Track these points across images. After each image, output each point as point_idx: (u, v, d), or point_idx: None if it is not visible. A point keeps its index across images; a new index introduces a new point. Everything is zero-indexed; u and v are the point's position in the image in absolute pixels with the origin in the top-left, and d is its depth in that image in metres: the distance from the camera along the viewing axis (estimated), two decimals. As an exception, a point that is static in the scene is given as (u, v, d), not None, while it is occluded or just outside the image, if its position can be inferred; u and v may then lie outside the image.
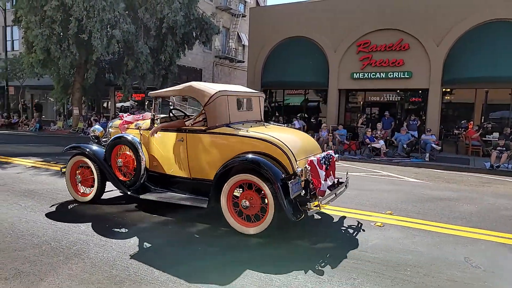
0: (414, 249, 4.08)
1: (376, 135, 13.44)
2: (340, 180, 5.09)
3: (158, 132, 5.00)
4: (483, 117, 15.46)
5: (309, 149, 4.76)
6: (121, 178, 5.08)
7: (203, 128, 4.70)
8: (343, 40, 16.46)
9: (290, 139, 4.65)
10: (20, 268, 3.32)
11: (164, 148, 4.98)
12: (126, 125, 5.53)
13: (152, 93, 5.29)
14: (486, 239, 4.45)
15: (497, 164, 10.50)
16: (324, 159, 4.58)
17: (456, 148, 14.23)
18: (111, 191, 5.59)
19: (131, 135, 5.14)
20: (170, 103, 6.09)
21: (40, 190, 6.18)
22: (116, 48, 15.34)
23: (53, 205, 5.34)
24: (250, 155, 4.24)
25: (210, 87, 4.80)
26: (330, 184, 4.71)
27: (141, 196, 4.85)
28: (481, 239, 4.45)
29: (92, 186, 5.36)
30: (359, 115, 16.83)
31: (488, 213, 5.57)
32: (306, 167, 4.22)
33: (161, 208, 5.12)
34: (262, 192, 4.17)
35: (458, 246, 4.20)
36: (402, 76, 15.33)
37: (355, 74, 16.33)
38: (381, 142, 12.92)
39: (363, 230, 4.64)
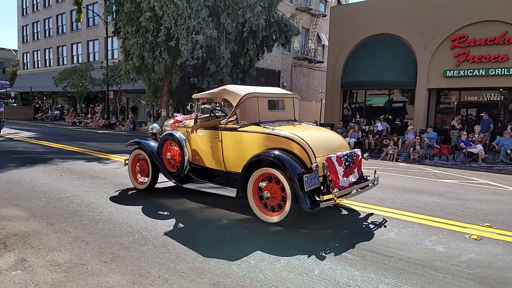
0: (519, 267, 3.52)
1: (473, 138, 12.04)
2: (368, 178, 5.21)
3: (201, 130, 5.53)
4: None
5: (333, 147, 4.95)
6: (170, 169, 5.67)
7: (236, 126, 5.11)
8: (435, 36, 15.15)
9: (312, 137, 4.93)
10: (116, 253, 3.63)
11: (204, 144, 5.54)
12: (177, 124, 6.14)
13: (195, 95, 5.85)
14: None
15: None
16: (346, 157, 4.77)
17: None
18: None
19: (179, 132, 5.74)
20: (217, 105, 6.59)
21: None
22: (200, 53, 16.21)
23: (143, 199, 5.83)
24: (275, 151, 4.56)
25: (241, 90, 5.27)
26: (354, 180, 4.87)
27: (184, 185, 5.45)
28: None
29: (148, 176, 6.02)
30: (452, 116, 15.28)
31: None
32: (324, 163, 4.47)
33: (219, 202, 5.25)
34: (282, 184, 4.45)
35: None
36: (506, 72, 13.57)
37: (448, 71, 14.91)
38: (479, 146, 11.54)
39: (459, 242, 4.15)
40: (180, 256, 3.59)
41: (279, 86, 24.95)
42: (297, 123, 5.55)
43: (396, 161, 12.29)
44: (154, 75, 17.74)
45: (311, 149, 4.52)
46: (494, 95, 14.95)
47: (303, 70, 27.36)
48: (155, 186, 6.19)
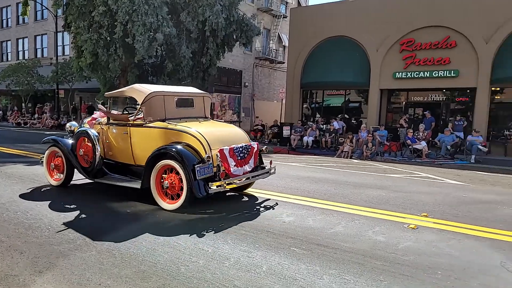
0: (448, 252, 3.95)
1: (418, 136, 12.95)
2: (266, 167, 6.03)
3: (113, 127, 5.91)
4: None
5: (230, 140, 5.51)
6: (84, 165, 5.96)
7: (142, 122, 5.56)
8: (386, 39, 16.04)
9: (210, 131, 5.48)
10: (54, 261, 3.47)
11: (115, 140, 5.93)
12: (93, 121, 6.43)
13: (107, 94, 6.32)
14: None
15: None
16: (240, 149, 5.42)
17: (505, 150, 13.35)
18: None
19: (93, 129, 6.07)
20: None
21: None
22: (159, 51, 15.95)
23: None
24: (176, 145, 5.10)
25: (147, 88, 5.70)
26: (250, 169, 5.57)
27: (95, 180, 5.86)
28: (522, 244, 4.22)
29: (63, 172, 6.25)
30: (400, 115, 16.29)
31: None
32: (217, 154, 5.08)
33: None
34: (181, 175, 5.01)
35: (496, 250, 4.00)
36: (448, 75, 14.67)
37: (397, 73, 15.86)
38: (423, 143, 12.45)
39: (397, 231, 4.56)
40: (125, 261, 3.53)
41: (240, 86, 25.15)
42: (203, 120, 6.05)
43: (351, 158, 12.92)
44: (109, 73, 17.22)
45: (207, 142, 5.10)
46: (437, 96, 16.11)
47: (265, 70, 27.75)
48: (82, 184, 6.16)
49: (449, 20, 14.52)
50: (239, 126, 24.22)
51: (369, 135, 13.53)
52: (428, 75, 15.05)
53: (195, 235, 4.25)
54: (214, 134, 5.47)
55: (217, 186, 5.01)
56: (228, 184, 5.23)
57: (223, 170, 5.13)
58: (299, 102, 19.29)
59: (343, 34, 17.27)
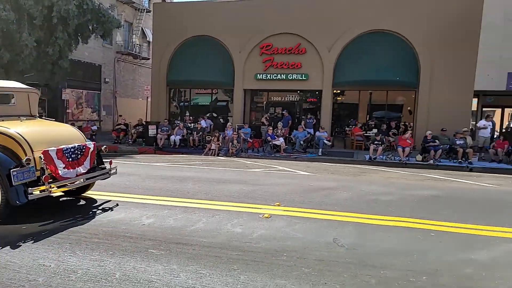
0: (293, 235, 4.47)
1: (277, 133, 14.22)
2: (106, 168, 5.77)
3: None
4: (368, 115, 17.46)
5: (59, 140, 5.16)
6: None
7: None
8: (248, 42, 17.01)
9: (34, 131, 5.09)
10: None
11: None
12: None
13: None
14: (354, 221, 5.07)
15: (374, 156, 12.02)
16: (71, 149, 5.12)
17: (344, 143, 15.85)
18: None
19: None
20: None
21: None
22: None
23: None
24: None
25: None
26: (84, 171, 5.29)
27: None
28: (350, 221, 5.06)
29: None
30: (262, 114, 17.60)
31: (359, 199, 6.36)
32: (40, 156, 4.68)
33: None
34: None
35: (330, 229, 4.72)
36: (300, 78, 16.46)
37: (258, 75, 17.01)
38: (281, 139, 13.72)
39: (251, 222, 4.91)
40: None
41: (100, 82, 23.11)
42: (26, 118, 5.58)
43: (218, 155, 13.32)
44: None
45: (27, 143, 4.67)
46: (292, 96, 17.96)
47: (128, 66, 26.14)
48: None
49: (299, 29, 16.32)
50: (99, 126, 22.24)
51: (234, 133, 14.19)
52: (284, 78, 16.64)
53: (34, 249, 3.78)
54: (38, 135, 5.05)
55: (40, 191, 4.58)
56: (59, 187, 4.90)
57: (48, 173, 4.73)
58: (166, 100, 18.90)
59: (208, 33, 17.63)
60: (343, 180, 8.35)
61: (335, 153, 13.64)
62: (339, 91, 17.38)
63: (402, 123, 16.27)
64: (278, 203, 5.92)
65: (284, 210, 5.55)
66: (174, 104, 19.61)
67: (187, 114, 18.60)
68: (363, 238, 4.41)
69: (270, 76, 16.90)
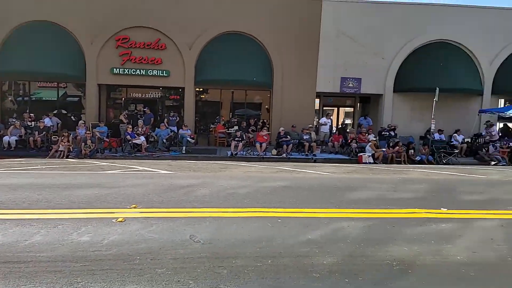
0: (149, 237, 4.30)
1: (138, 131, 13.52)
2: None
3: None
4: (231, 113, 18.24)
5: None
6: None
7: None
8: (101, 33, 15.63)
9: None
10: None
11: None
12: None
13: None
14: (212, 216, 5.20)
15: (236, 152, 12.67)
16: None
17: (208, 140, 16.20)
18: None
19: None
20: None
21: None
22: None
23: None
24: None
25: None
26: None
27: None
28: (207, 216, 5.17)
29: None
30: (120, 111, 16.48)
31: (218, 194, 6.57)
32: None
33: None
34: None
35: (187, 226, 4.72)
36: (161, 74, 16.01)
37: (115, 69, 15.84)
38: (142, 138, 13.12)
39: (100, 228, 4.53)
40: None
41: None
42: None
43: (67, 157, 11.88)
44: None
45: None
46: (154, 93, 17.37)
47: None
48: None
49: (159, 24, 15.84)
50: None
51: (88, 132, 12.90)
52: (144, 73, 15.92)
53: None
54: None
55: None
56: None
57: None
58: (-3, 94, 15.86)
59: (49, 19, 15.45)
60: (205, 177, 8.49)
61: (199, 150, 13.80)
62: (201, 89, 17.61)
63: (261, 121, 17.56)
64: (134, 205, 5.61)
65: (141, 212, 5.30)
66: (10, 99, 16.60)
67: (27, 111, 16.02)
68: (219, 231, 4.56)
69: (128, 71, 15.93)
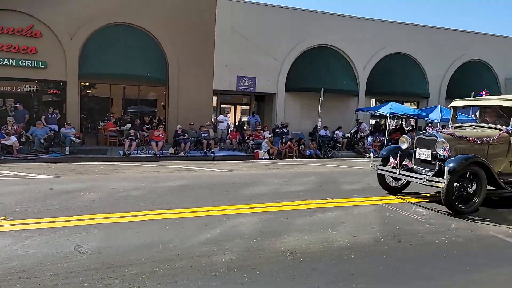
0: (23, 252, 3.71)
1: (7, 130, 11.64)
2: None
3: None
4: (123, 110, 17.04)
5: None
6: None
7: None
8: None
9: None
10: None
11: None
12: None
13: None
14: (102, 222, 4.75)
15: (129, 152, 11.91)
16: None
17: (96, 139, 14.86)
18: None
19: None
20: None
21: None
22: None
23: None
24: None
25: None
26: None
27: None
28: (96, 223, 4.70)
29: None
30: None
31: (108, 198, 6.05)
32: None
33: None
34: None
35: (72, 236, 4.22)
36: (36, 65, 14.09)
37: (-24, 57, 13.33)
38: (13, 138, 11.35)
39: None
40: None
41: None
42: None
43: None
44: None
45: None
46: (29, 87, 15.17)
47: None
48: None
49: (31, 8, 13.85)
50: None
51: None
52: (14, 64, 13.77)
53: None
54: None
55: None
56: None
57: None
58: None
59: None
60: (92, 180, 7.74)
61: (86, 151, 12.57)
62: (88, 84, 16.04)
63: (157, 118, 16.82)
64: (3, 217, 4.80)
65: (12, 225, 4.56)
66: None
67: None
68: (110, 239, 4.19)
69: (-6, 61, 13.58)
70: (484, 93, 7.29)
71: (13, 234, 4.26)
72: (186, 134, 13.88)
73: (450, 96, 20.73)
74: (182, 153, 13.16)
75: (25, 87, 15.04)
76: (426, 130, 6.52)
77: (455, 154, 5.70)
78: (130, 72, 14.78)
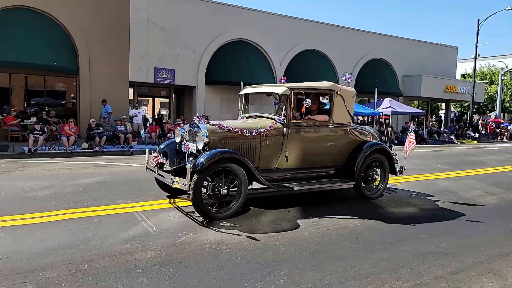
0: None
1: None
2: None
3: None
4: (25, 102, 15.32)
5: None
6: None
7: None
8: None
9: None
10: None
11: None
12: None
13: None
14: (7, 225, 4.37)
15: (35, 148, 10.82)
16: None
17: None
18: None
19: None
20: None
21: None
22: None
23: None
24: None
25: None
26: None
27: None
28: (2, 226, 4.31)
29: None
30: None
31: (13, 198, 5.53)
32: None
33: None
34: None
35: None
36: None
37: None
38: None
39: None
40: None
41: None
42: None
43: None
44: None
45: None
46: None
47: None
48: None
49: None
50: None
51: None
52: None
53: None
54: None
55: None
56: None
57: None
58: None
59: None
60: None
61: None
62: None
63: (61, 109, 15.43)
64: None
65: None
66: None
67: None
68: (19, 242, 3.88)
69: None
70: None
71: None
72: (101, 128, 13.03)
73: (357, 91, 22.71)
74: (97, 148, 12.34)
75: None
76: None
77: (218, 148, 4.90)
78: (32, 61, 13.29)
